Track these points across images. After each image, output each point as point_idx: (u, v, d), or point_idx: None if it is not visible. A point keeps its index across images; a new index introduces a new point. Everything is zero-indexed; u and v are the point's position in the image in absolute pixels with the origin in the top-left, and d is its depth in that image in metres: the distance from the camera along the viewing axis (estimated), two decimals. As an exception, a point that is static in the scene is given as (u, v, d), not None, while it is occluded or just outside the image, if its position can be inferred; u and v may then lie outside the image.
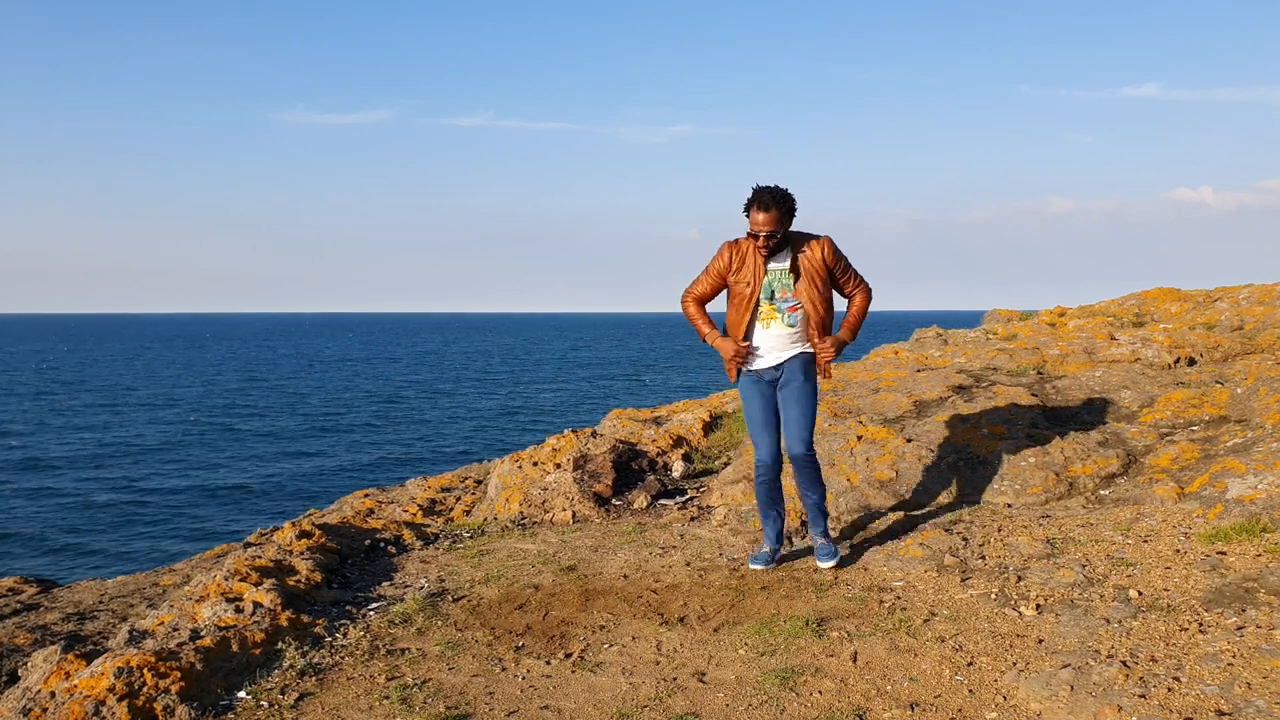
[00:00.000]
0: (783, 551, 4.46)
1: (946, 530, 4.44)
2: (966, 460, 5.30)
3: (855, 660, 3.19)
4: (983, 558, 4.08)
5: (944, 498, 5.06)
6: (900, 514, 4.85)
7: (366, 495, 6.97)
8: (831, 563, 4.14)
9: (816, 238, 4.06)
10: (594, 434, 6.70)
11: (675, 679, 3.14)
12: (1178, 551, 3.83)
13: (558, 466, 5.90)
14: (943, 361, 7.82)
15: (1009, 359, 7.43)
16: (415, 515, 6.06)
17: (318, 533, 4.86)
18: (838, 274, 4.08)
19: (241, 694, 3.08)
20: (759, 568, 4.22)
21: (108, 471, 26.44)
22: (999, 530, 4.40)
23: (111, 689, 2.90)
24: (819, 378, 4.20)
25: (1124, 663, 2.89)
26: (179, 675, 3.02)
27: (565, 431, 6.61)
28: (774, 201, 3.90)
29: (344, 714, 2.95)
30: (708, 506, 5.37)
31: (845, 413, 6.16)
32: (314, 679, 3.20)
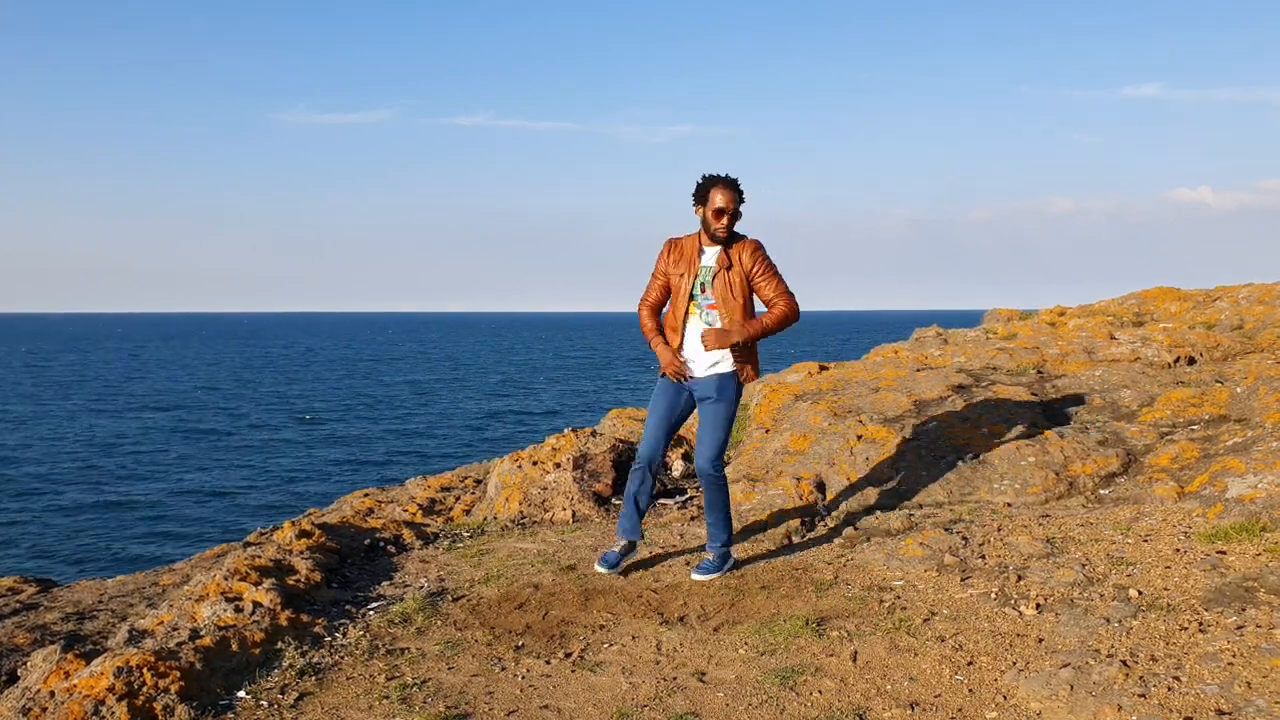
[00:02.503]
0: (780, 552, 4.45)
1: (946, 529, 4.44)
2: (966, 460, 5.30)
3: (855, 660, 3.19)
4: (983, 557, 4.07)
5: (944, 497, 5.06)
6: (900, 513, 4.85)
7: (366, 495, 6.97)
8: (704, 576, 4.10)
9: (745, 239, 4.05)
10: (594, 433, 6.70)
11: (675, 678, 3.14)
12: (1178, 551, 3.83)
13: (557, 466, 5.89)
14: (943, 361, 7.82)
15: (1009, 358, 7.43)
16: (415, 515, 6.06)
17: (317, 532, 4.86)
18: (756, 278, 4.00)
19: (241, 693, 3.08)
20: (603, 570, 4.12)
21: (106, 472, 26.44)
22: (999, 530, 4.40)
23: (111, 689, 2.90)
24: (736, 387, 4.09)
25: (1124, 662, 2.89)
26: (178, 675, 3.02)
27: (565, 431, 6.61)
28: (731, 181, 3.97)
29: (344, 713, 2.95)
30: (707, 506, 5.37)
31: (845, 412, 6.16)
32: (314, 678, 3.20)
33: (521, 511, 5.64)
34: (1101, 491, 4.94)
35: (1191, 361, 7.09)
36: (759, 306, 4.12)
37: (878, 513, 4.91)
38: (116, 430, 34.83)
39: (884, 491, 5.15)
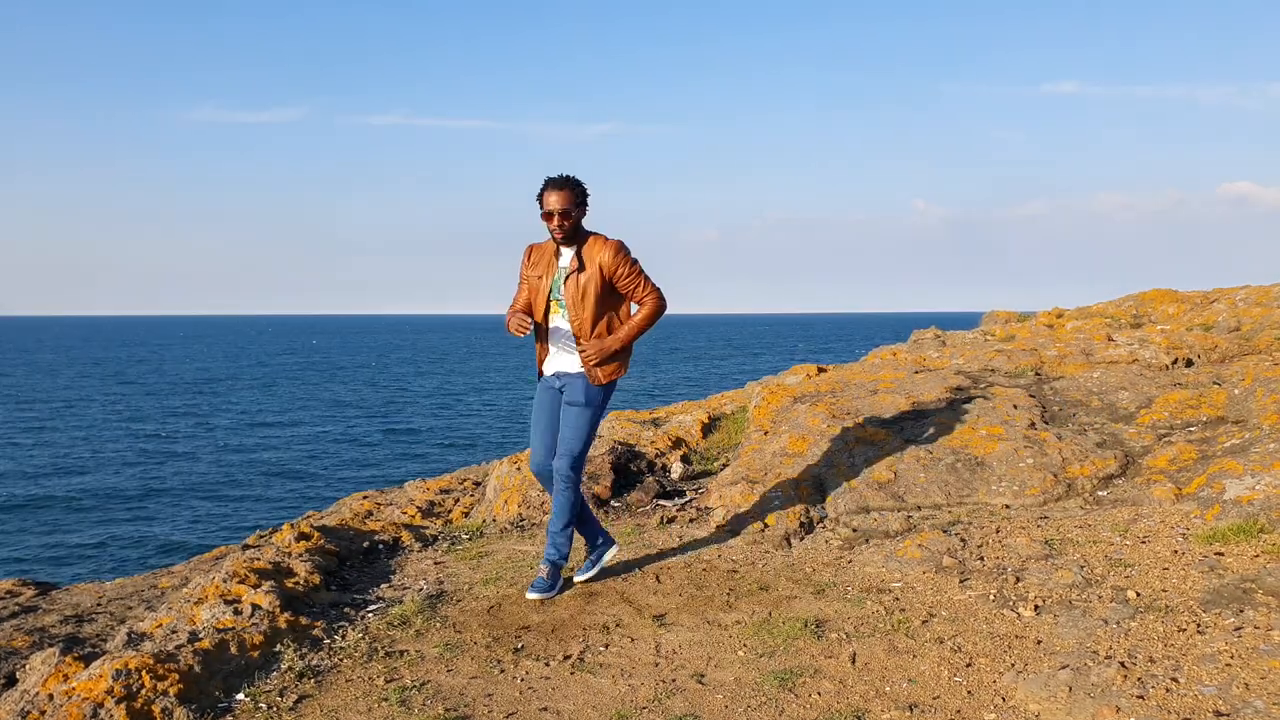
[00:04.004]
0: (779, 554, 4.45)
1: (945, 531, 4.45)
2: (964, 461, 5.30)
3: (854, 661, 3.19)
4: (981, 559, 4.08)
5: (942, 499, 5.06)
6: (898, 515, 4.85)
7: (365, 497, 6.96)
8: (538, 595, 3.98)
9: (604, 240, 3.97)
10: (592, 435, 6.71)
11: (674, 680, 3.14)
12: (1175, 552, 3.83)
13: (556, 468, 5.89)
14: (941, 363, 7.83)
15: (1007, 360, 7.44)
16: (414, 517, 6.06)
17: (316, 535, 4.86)
18: (621, 281, 3.95)
19: (240, 696, 3.08)
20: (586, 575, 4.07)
21: (105, 474, 26.42)
22: (997, 531, 4.40)
23: (110, 691, 2.90)
24: (594, 384, 4.00)
25: (1122, 663, 2.90)
26: (177, 677, 3.02)
27: (564, 433, 6.61)
28: (565, 182, 3.89)
29: (342, 716, 2.95)
30: (706, 508, 5.37)
31: (844, 414, 6.16)
32: (312, 681, 3.20)
33: (520, 514, 5.64)
34: (1099, 493, 4.94)
35: (1189, 363, 7.10)
36: (622, 308, 4.08)
37: (876, 514, 4.91)
38: (113, 434, 34.81)
39: (882, 493, 5.16)
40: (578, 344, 3.98)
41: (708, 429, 7.22)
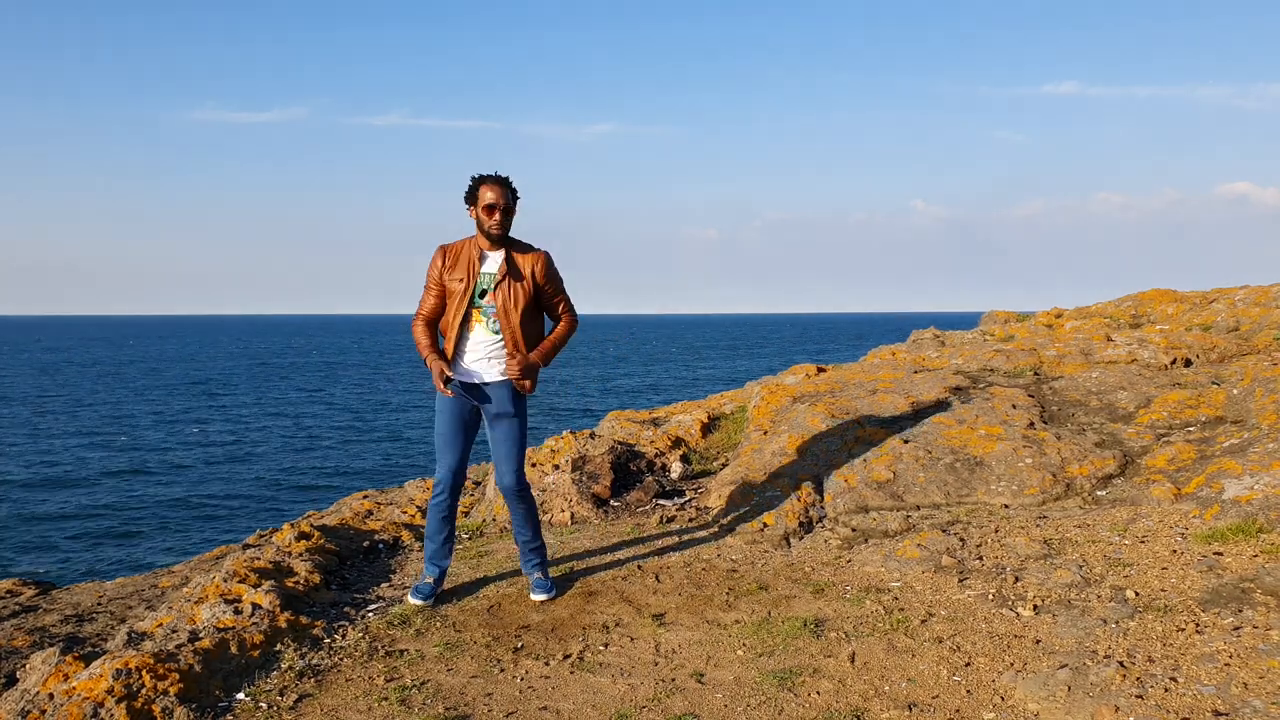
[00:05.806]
0: (778, 554, 4.46)
1: (944, 531, 4.45)
2: (963, 461, 5.31)
3: (853, 661, 3.19)
4: (980, 558, 4.08)
5: (941, 498, 5.07)
6: (898, 515, 4.86)
7: (365, 497, 6.97)
8: (544, 596, 3.97)
9: (534, 250, 3.94)
10: (592, 435, 6.70)
11: (674, 679, 3.15)
12: (1174, 552, 3.84)
13: (556, 468, 5.90)
14: (940, 363, 7.84)
15: (1006, 360, 7.45)
16: (414, 517, 6.06)
17: (316, 534, 4.86)
18: (547, 293, 3.94)
19: (240, 695, 3.09)
20: (418, 602, 3.93)
21: (105, 474, 26.42)
22: (996, 531, 4.41)
23: (110, 691, 2.90)
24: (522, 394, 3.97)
25: (1121, 663, 2.90)
26: (177, 677, 3.03)
27: (564, 433, 6.61)
28: (501, 178, 3.86)
29: (342, 715, 2.96)
30: (706, 507, 5.38)
31: (843, 414, 6.17)
32: (312, 680, 3.21)
33: (520, 513, 5.63)
34: (1099, 493, 4.95)
35: (1188, 363, 7.11)
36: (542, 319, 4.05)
37: (875, 514, 4.92)
38: (113, 434, 34.81)
39: (881, 493, 5.16)
40: (510, 356, 3.86)
41: (707, 429, 7.22)
